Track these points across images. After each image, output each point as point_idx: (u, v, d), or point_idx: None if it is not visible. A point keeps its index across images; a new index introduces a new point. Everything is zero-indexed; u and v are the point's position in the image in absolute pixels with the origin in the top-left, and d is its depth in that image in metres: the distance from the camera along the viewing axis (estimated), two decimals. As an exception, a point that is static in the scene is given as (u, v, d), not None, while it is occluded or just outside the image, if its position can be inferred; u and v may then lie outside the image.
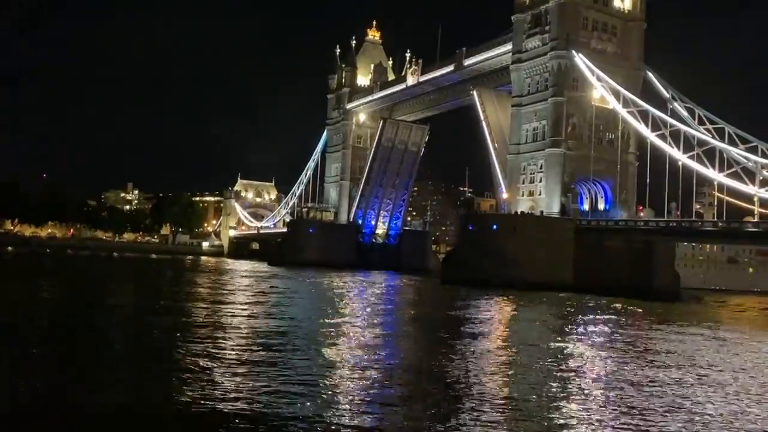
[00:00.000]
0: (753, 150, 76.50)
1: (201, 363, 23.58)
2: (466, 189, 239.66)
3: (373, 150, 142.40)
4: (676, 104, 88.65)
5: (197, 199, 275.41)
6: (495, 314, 53.33)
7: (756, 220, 76.01)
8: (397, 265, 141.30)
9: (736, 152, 77.51)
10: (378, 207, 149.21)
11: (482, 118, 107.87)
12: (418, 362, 27.74)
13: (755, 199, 75.74)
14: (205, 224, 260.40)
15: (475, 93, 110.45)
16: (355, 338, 32.95)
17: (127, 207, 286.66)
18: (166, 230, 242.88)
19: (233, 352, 26.32)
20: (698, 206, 79.49)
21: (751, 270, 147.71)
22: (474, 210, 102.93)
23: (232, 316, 39.84)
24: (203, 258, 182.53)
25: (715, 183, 77.41)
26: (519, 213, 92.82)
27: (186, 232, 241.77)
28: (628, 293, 76.12)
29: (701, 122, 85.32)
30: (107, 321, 37.34)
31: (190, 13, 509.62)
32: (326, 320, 39.93)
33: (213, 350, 26.43)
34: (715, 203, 77.53)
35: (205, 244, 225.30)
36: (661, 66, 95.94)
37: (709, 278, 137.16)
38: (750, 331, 49.63)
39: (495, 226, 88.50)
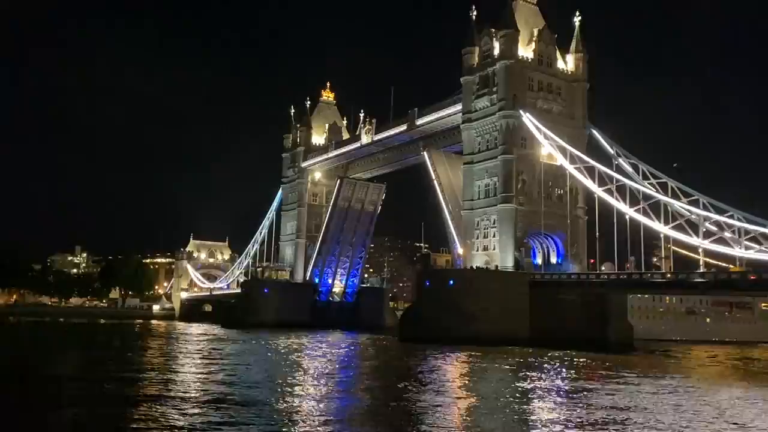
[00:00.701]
0: (695, 203, 79.64)
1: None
2: (422, 245, 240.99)
3: (329, 209, 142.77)
4: (620, 160, 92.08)
5: (148, 260, 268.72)
6: (450, 369, 52.80)
7: (702, 270, 78.59)
8: (354, 323, 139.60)
9: (679, 205, 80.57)
10: (335, 265, 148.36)
11: (434, 177, 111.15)
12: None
13: (700, 250, 78.42)
14: (156, 287, 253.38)
15: (425, 154, 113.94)
16: (308, 408, 31.95)
17: (75, 270, 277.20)
18: (115, 294, 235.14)
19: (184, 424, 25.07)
20: (655, 259, 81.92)
21: (708, 320, 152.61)
22: (430, 266, 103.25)
23: (181, 384, 37.98)
24: (154, 322, 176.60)
25: (662, 236, 79.92)
26: (474, 268, 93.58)
27: (136, 295, 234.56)
28: (583, 346, 76.73)
29: (645, 177, 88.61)
30: (43, 392, 35.31)
31: (141, 67, 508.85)
32: (281, 388, 38.55)
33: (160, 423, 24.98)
34: (671, 256, 79.75)
35: (156, 308, 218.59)
36: (605, 124, 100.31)
37: (669, 329, 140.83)
38: (693, 381, 50.35)
39: (452, 282, 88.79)
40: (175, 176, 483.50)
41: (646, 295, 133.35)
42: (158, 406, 28.09)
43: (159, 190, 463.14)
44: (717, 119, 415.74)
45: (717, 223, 76.91)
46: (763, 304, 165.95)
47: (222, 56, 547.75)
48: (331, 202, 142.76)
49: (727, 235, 75.57)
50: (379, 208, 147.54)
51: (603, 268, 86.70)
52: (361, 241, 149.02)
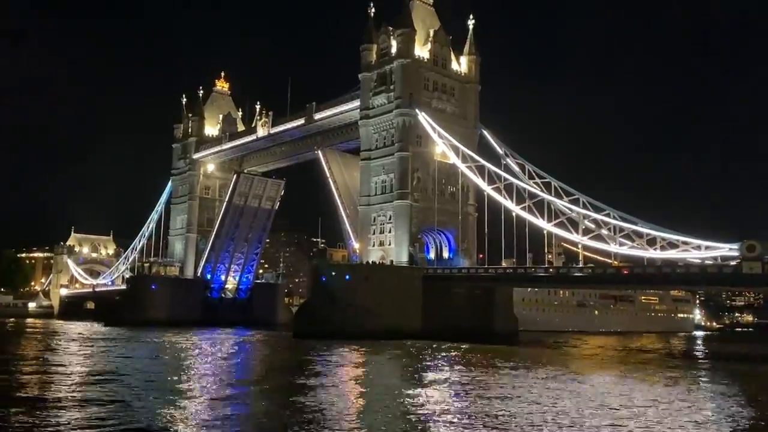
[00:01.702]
0: (575, 202, 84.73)
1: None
2: (319, 240, 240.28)
3: (225, 204, 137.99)
4: (508, 160, 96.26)
5: (24, 255, 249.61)
6: (343, 365, 53.05)
7: (581, 265, 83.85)
8: (248, 319, 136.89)
9: (561, 204, 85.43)
10: (229, 261, 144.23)
11: (328, 175, 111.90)
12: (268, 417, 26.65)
13: (579, 246, 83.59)
14: (33, 283, 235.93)
15: (320, 153, 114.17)
16: (195, 405, 30.95)
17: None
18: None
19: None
20: (550, 256, 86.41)
21: (596, 312, 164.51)
22: (327, 260, 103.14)
23: (56, 386, 35.23)
24: (29, 320, 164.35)
25: (545, 232, 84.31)
26: (370, 263, 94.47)
27: (9, 292, 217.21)
28: (471, 338, 79.74)
29: (531, 177, 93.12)
30: None
31: (17, 50, 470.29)
32: (168, 387, 37.00)
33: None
34: (562, 253, 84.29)
35: (32, 305, 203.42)
36: (495, 125, 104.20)
37: (562, 321, 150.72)
38: (562, 369, 53.57)
39: (348, 277, 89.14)
40: (54, 167, 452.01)
41: (538, 289, 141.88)
42: (31, 410, 26.09)
43: (36, 181, 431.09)
44: (598, 125, 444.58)
45: (595, 221, 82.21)
46: (642, 298, 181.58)
47: (109, 40, 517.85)
48: (227, 197, 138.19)
49: (604, 232, 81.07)
50: (277, 204, 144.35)
51: (504, 263, 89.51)
52: (257, 237, 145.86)
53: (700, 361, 73.21)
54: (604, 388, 38.91)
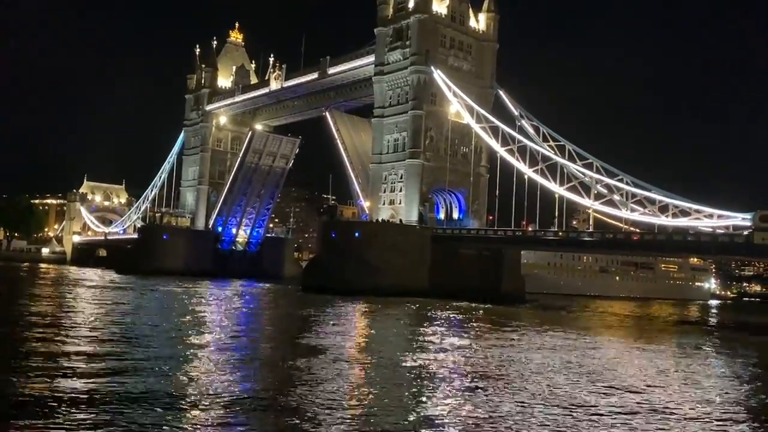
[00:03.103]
0: (589, 166, 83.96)
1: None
2: (329, 196, 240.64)
3: (239, 160, 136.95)
4: (523, 122, 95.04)
5: (37, 201, 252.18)
6: (354, 319, 53.80)
7: (591, 230, 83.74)
8: (257, 272, 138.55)
9: (575, 167, 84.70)
10: (240, 215, 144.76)
11: (336, 136, 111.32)
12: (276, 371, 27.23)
13: (590, 211, 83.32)
14: (46, 229, 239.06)
15: (327, 115, 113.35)
16: (206, 359, 31.59)
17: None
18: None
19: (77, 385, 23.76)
20: (575, 222, 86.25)
21: (617, 278, 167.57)
22: (336, 217, 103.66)
23: (70, 337, 35.14)
24: (42, 265, 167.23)
25: (557, 195, 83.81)
26: (380, 221, 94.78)
27: (23, 237, 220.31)
28: (478, 297, 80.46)
29: (545, 139, 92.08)
30: None
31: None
32: (182, 338, 37.46)
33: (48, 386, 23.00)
34: (586, 219, 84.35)
35: (45, 251, 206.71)
36: (511, 85, 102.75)
37: (584, 285, 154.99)
38: (577, 332, 54.01)
39: (357, 234, 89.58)
40: (69, 115, 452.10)
41: (563, 254, 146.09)
42: (46, 364, 26.65)
43: (51, 129, 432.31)
44: (616, 88, 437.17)
45: (607, 186, 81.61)
46: (662, 265, 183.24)
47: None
48: (241, 153, 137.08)
49: (616, 197, 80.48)
50: (291, 162, 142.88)
51: (529, 228, 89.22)
52: (269, 193, 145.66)
53: (730, 331, 73.48)
54: (609, 355, 39.28)
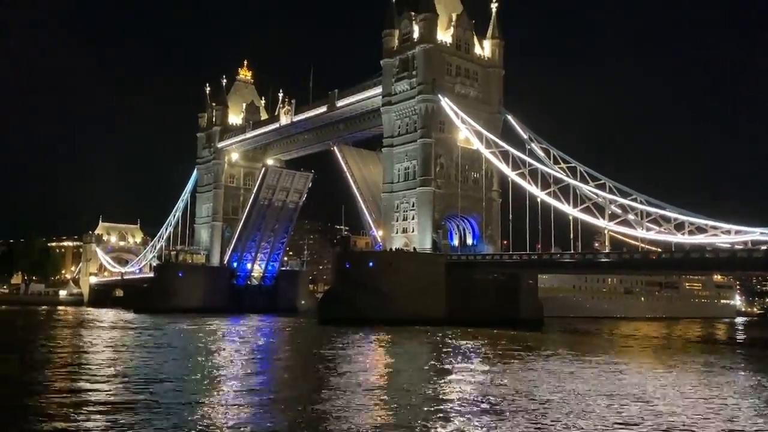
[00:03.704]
0: (601, 187, 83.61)
1: None
2: (342, 227, 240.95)
3: (252, 196, 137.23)
4: (533, 145, 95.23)
5: (54, 244, 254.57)
6: (369, 352, 53.34)
7: (607, 251, 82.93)
8: (273, 306, 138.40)
9: (587, 189, 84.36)
10: (255, 251, 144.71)
11: (345, 169, 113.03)
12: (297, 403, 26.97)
13: (605, 232, 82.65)
14: (63, 271, 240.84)
15: (336, 149, 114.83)
16: (225, 395, 31.36)
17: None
18: (17, 279, 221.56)
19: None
20: (596, 244, 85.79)
21: (642, 299, 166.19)
22: (350, 248, 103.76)
23: (89, 380, 34.71)
24: (60, 308, 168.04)
25: (570, 217, 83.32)
26: (393, 249, 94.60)
27: (41, 280, 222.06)
28: (496, 324, 79.62)
29: (556, 162, 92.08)
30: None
31: (47, 39, 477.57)
32: (199, 376, 37.39)
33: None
34: (607, 240, 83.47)
35: (63, 293, 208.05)
36: (518, 109, 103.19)
37: (610, 307, 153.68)
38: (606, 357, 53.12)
39: (371, 263, 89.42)
40: (84, 157, 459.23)
41: (587, 276, 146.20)
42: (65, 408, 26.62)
43: (67, 171, 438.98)
44: (619, 108, 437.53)
45: (621, 206, 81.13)
46: (686, 284, 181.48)
47: (134, 31, 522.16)
48: (254, 189, 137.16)
49: (631, 217, 79.90)
50: (305, 196, 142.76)
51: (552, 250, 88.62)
52: (283, 227, 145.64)
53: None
54: (643, 378, 38.44)
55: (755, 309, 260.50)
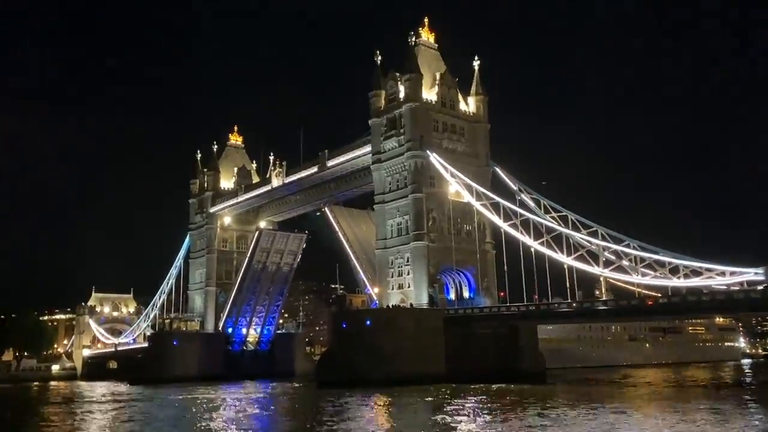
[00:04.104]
0: (594, 234, 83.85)
1: None
2: (337, 286, 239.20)
3: (246, 260, 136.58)
4: (523, 195, 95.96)
5: (46, 317, 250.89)
6: (374, 417, 52.06)
7: (605, 298, 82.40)
8: (269, 371, 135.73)
9: (580, 237, 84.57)
10: (250, 315, 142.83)
11: (338, 230, 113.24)
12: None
13: (601, 279, 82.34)
14: (56, 345, 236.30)
15: (327, 210, 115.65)
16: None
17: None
18: (8, 356, 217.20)
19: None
20: (597, 292, 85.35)
21: (647, 345, 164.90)
22: (346, 307, 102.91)
23: None
24: (53, 383, 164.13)
25: (565, 266, 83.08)
26: (390, 306, 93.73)
27: (33, 356, 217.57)
28: (497, 378, 78.21)
29: (547, 211, 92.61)
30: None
31: (30, 112, 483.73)
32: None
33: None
34: (603, 288, 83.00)
35: (55, 368, 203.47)
36: (507, 161, 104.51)
37: (616, 355, 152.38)
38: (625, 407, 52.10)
39: (368, 322, 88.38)
40: (74, 227, 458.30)
41: (591, 326, 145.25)
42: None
43: (57, 242, 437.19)
44: (610, 156, 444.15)
45: (615, 252, 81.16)
46: (690, 328, 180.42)
47: (121, 100, 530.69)
48: (248, 253, 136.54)
49: (625, 263, 79.86)
50: (299, 257, 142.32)
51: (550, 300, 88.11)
52: (278, 290, 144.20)
53: None
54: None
55: (760, 350, 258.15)
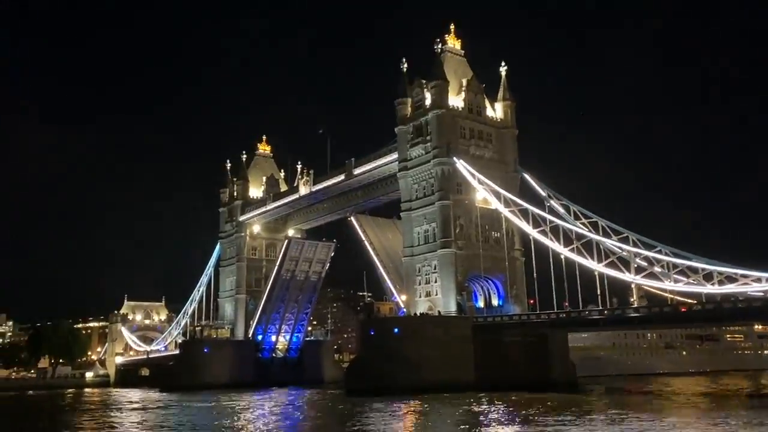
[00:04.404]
0: (625, 240, 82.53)
1: None
2: (365, 294, 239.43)
3: (276, 268, 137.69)
4: (552, 202, 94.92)
5: (80, 325, 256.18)
6: (404, 426, 51.85)
7: (636, 305, 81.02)
8: (298, 378, 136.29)
9: (611, 243, 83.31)
10: (279, 323, 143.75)
11: (364, 239, 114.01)
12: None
13: (633, 286, 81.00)
14: (89, 353, 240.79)
15: (353, 219, 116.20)
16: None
17: (0, 340, 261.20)
18: (44, 363, 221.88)
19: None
20: (633, 300, 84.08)
21: (684, 353, 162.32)
22: (374, 314, 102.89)
23: None
24: (87, 390, 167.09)
25: (596, 273, 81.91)
26: (418, 314, 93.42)
27: (67, 363, 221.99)
28: (527, 387, 77.22)
29: (576, 217, 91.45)
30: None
31: (64, 124, 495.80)
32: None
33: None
34: (643, 296, 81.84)
35: (89, 375, 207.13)
36: (535, 167, 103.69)
37: (652, 363, 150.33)
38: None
39: (396, 330, 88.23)
40: (107, 237, 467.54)
41: (626, 333, 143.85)
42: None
43: (90, 252, 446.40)
44: (634, 161, 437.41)
45: (647, 259, 79.77)
46: (727, 336, 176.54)
47: (151, 110, 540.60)
48: (278, 262, 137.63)
49: (657, 269, 78.42)
50: (327, 266, 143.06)
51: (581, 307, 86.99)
52: (307, 298, 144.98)
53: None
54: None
55: None
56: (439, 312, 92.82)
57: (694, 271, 74.50)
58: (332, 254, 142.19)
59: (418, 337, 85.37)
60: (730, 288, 71.09)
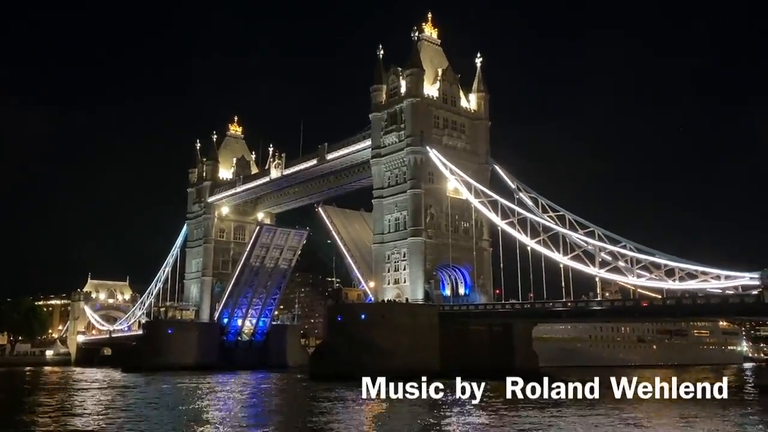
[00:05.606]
0: (590, 234, 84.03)
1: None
2: (334, 279, 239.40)
3: (245, 254, 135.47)
4: (521, 194, 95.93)
5: (41, 303, 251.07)
6: (367, 410, 52.26)
7: (599, 299, 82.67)
8: (264, 362, 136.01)
9: (577, 237, 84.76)
10: (246, 307, 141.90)
11: (332, 229, 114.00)
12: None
13: (597, 279, 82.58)
14: (50, 331, 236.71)
15: (321, 210, 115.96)
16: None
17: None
18: (2, 339, 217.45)
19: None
20: (607, 293, 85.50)
21: (654, 347, 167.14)
22: (342, 300, 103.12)
23: None
24: (47, 368, 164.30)
25: (561, 266, 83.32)
26: (386, 301, 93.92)
27: (27, 340, 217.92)
28: (490, 375, 78.23)
29: (544, 210, 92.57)
30: None
31: (27, 100, 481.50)
32: None
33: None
34: (598, 288, 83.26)
35: (49, 353, 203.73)
36: (506, 160, 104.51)
37: (625, 356, 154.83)
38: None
39: (363, 316, 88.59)
40: (70, 214, 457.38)
41: (603, 326, 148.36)
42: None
43: (54, 229, 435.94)
44: (609, 156, 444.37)
45: (611, 253, 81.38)
46: (695, 331, 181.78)
47: (119, 87, 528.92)
48: (247, 248, 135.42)
49: (621, 264, 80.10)
50: (299, 253, 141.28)
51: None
52: (276, 284, 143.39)
53: None
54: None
55: (762, 354, 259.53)
56: (407, 299, 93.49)
57: (657, 266, 76.26)
58: (304, 242, 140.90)
59: (385, 324, 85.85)
60: (690, 284, 72.98)
